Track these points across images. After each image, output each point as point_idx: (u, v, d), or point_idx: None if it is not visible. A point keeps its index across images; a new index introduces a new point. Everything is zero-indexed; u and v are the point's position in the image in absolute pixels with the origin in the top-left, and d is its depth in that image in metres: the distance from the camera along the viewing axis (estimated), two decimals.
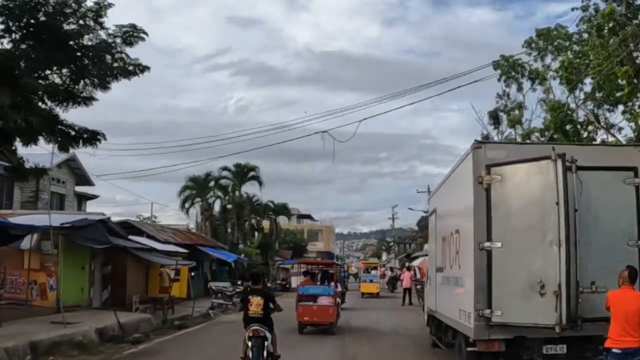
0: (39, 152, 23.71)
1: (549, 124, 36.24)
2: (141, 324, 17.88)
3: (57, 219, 19.79)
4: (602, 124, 35.35)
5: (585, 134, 36.53)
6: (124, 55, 17.08)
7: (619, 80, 26.30)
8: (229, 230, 47.48)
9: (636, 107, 25.48)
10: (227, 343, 15.57)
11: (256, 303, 9.94)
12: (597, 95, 33.78)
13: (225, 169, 46.92)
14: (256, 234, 54.12)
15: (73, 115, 17.52)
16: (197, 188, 45.62)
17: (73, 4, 15.53)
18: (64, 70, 17.37)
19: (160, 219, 53.58)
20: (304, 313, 17.26)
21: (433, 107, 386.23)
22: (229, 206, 48.04)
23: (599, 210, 7.60)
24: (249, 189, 48.75)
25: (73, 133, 18.02)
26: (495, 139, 52.10)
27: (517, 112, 45.75)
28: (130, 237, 23.83)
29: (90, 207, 38.66)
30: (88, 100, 18.26)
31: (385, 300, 35.51)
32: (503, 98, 49.85)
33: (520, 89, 46.01)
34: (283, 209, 59.30)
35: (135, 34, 16.74)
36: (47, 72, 17.19)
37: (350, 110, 19.29)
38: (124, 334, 15.81)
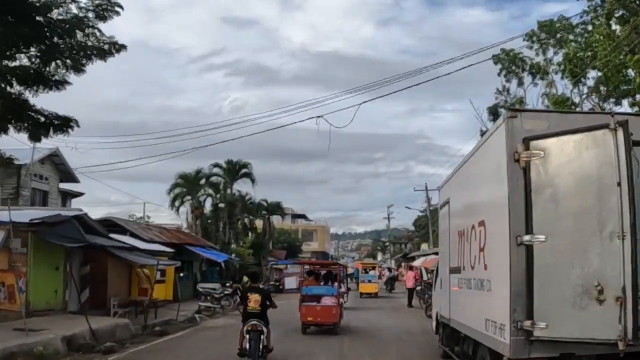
0: (19, 147, 22.28)
1: None
2: (118, 330, 16.25)
3: (28, 214, 18.19)
4: None
5: None
6: (97, 32, 15.53)
7: (630, 71, 24.95)
8: (221, 229, 45.76)
9: None
10: (210, 354, 13.94)
11: (254, 300, 11.39)
12: (602, 89, 32.70)
13: (216, 165, 45.24)
14: (249, 233, 52.41)
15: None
16: (187, 186, 43.86)
17: None
18: (32, 50, 15.84)
19: (154, 219, 51.90)
20: (308, 313, 17.20)
21: (429, 107, 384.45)
22: (221, 205, 46.33)
23: None
24: (242, 186, 47.11)
25: (42, 119, 16.53)
26: None
27: (518, 106, 44.47)
28: (111, 235, 22.30)
29: (76, 204, 37.08)
30: (60, 84, 16.71)
31: (384, 301, 34.53)
32: (503, 94, 48.42)
33: (521, 83, 44.51)
34: (277, 208, 57.70)
35: (109, 8, 15.14)
36: (13, 51, 15.66)
37: (347, 96, 17.49)
38: (96, 342, 14.17)
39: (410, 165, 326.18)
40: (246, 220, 52.70)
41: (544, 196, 6.08)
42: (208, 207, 46.36)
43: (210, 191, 45.49)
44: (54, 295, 18.90)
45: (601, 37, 33.62)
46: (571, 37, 38.38)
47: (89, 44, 15.69)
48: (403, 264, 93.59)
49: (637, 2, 28.18)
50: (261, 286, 14.36)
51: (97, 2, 14.81)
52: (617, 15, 28.37)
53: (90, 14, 15.07)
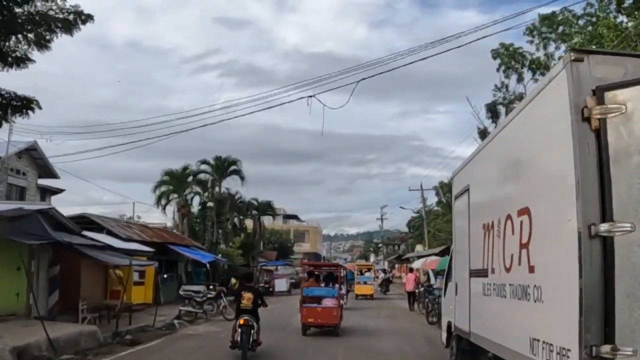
0: None
1: None
2: (83, 338, 14.37)
3: None
4: None
5: None
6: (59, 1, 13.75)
7: None
8: (209, 229, 43.82)
9: None
10: None
11: (247, 298, 12.90)
12: None
13: (204, 162, 43.33)
14: (241, 234, 50.52)
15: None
16: (173, 183, 41.92)
17: None
18: None
19: (145, 219, 49.82)
20: (308, 315, 17.32)
21: (421, 109, 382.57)
22: (210, 204, 44.41)
23: None
24: (231, 184, 45.20)
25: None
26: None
27: (518, 102, 42.81)
28: (85, 233, 20.48)
29: (56, 201, 35.28)
30: (22, 61, 14.94)
31: (380, 304, 33.34)
32: (501, 90, 46.94)
33: (520, 79, 42.98)
34: (267, 207, 55.90)
35: None
36: None
37: (342, 77, 15.67)
38: (53, 353, 12.31)
39: (403, 167, 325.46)
40: (236, 220, 50.92)
41: (627, 168, 4.28)
42: (196, 205, 44.53)
43: (198, 189, 43.57)
44: (15, 299, 17.05)
45: (605, 30, 32.27)
46: (574, 30, 37.06)
47: (51, 13, 13.92)
48: (397, 265, 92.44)
49: None
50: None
51: None
52: (626, 3, 26.94)
53: None
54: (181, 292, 21.62)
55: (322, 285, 19.57)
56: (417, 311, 25.74)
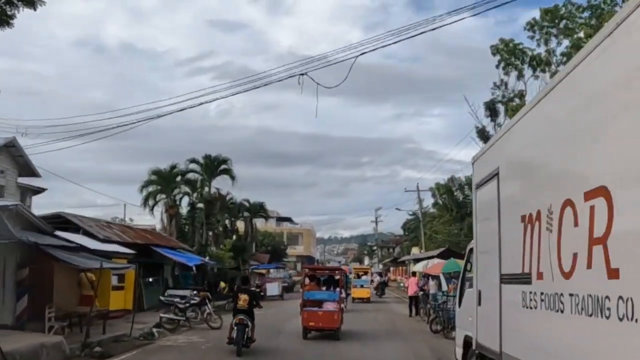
0: None
1: None
2: (45, 351, 12.70)
3: None
4: None
5: None
6: None
7: None
8: (200, 230, 42.05)
9: None
10: None
11: (243, 299, 14.35)
12: None
13: (193, 161, 41.52)
14: (233, 236, 48.81)
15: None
16: (161, 183, 40.12)
17: None
18: None
19: (138, 221, 47.98)
20: (309, 318, 17.36)
21: (415, 112, 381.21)
22: (200, 205, 42.66)
23: None
24: (221, 184, 43.44)
25: None
26: (492, 132, 47.77)
27: (518, 101, 41.32)
28: (58, 233, 18.87)
29: (38, 201, 33.59)
30: None
31: (377, 308, 32.41)
32: (500, 88, 45.51)
33: (521, 76, 41.56)
34: (259, 209, 54.20)
35: None
36: None
37: (339, 54, 13.99)
38: None
39: (397, 170, 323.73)
40: (227, 221, 49.21)
41: None
42: (185, 207, 42.75)
43: (187, 189, 41.76)
44: None
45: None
46: (579, 22, 35.66)
47: None
48: (392, 268, 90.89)
49: None
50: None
51: None
52: None
53: None
54: (162, 298, 19.90)
55: (323, 289, 19.52)
56: (417, 317, 24.17)
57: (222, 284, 33.86)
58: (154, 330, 17.38)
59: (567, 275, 4.53)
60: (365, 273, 42.33)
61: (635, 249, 3.54)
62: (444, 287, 18.40)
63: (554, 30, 38.17)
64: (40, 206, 46.66)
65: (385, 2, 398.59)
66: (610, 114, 3.91)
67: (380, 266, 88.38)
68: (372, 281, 44.88)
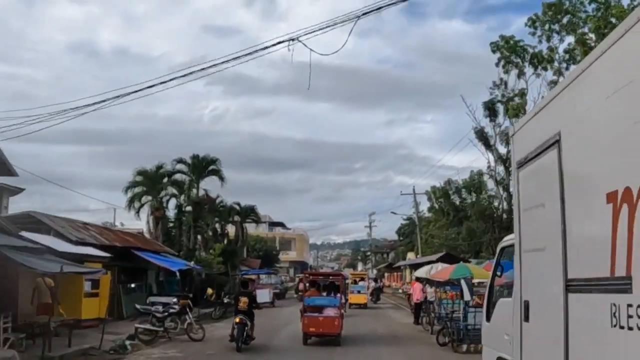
0: None
1: None
2: None
3: None
4: None
5: None
6: None
7: None
8: (187, 234, 40.03)
9: None
10: None
11: (243, 301, 16.40)
12: None
13: (180, 161, 39.45)
14: (224, 240, 46.85)
15: None
16: (147, 184, 38.11)
17: None
18: None
19: (129, 225, 45.78)
20: (310, 324, 17.38)
21: (408, 117, 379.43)
22: (188, 208, 40.65)
23: None
24: (210, 186, 41.40)
25: None
26: (491, 133, 46.11)
27: (519, 99, 39.69)
28: (24, 233, 17.06)
29: (15, 202, 31.50)
30: None
31: (374, 313, 31.54)
32: (500, 87, 43.96)
33: (522, 73, 40.01)
34: (250, 212, 52.18)
35: None
36: None
37: (335, 26, 12.09)
38: None
39: (390, 176, 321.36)
40: (217, 225, 47.25)
41: None
42: (172, 209, 40.69)
43: (174, 191, 39.71)
44: None
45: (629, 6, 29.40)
46: (586, 15, 34.14)
47: None
48: (386, 274, 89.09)
49: None
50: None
51: None
52: None
53: None
54: (137, 306, 17.95)
55: (324, 294, 19.30)
56: (418, 326, 22.34)
57: (209, 291, 31.94)
58: (127, 342, 15.45)
59: None
60: (363, 279, 41.98)
61: None
62: (467, 297, 16.30)
63: (556, 27, 36.67)
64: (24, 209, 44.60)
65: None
66: None
67: (375, 272, 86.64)
68: (368, 287, 43.90)
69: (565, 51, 35.73)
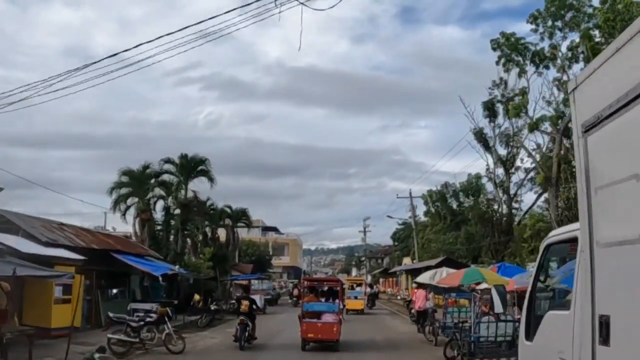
0: None
1: None
2: None
3: None
4: None
5: None
6: None
7: None
8: (174, 237, 38.27)
9: None
10: None
11: (245, 304, 18.26)
12: None
13: (168, 161, 37.62)
14: (216, 244, 45.15)
15: None
16: (133, 185, 36.33)
17: None
18: None
19: (120, 229, 44.01)
20: (308, 330, 17.32)
21: (402, 123, 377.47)
22: (177, 211, 38.86)
23: None
24: (199, 187, 39.65)
25: None
26: (490, 134, 44.67)
27: (521, 98, 38.26)
28: None
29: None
30: None
31: (371, 319, 30.53)
32: (499, 87, 42.52)
33: (523, 72, 38.61)
34: (242, 215, 50.57)
35: None
36: None
37: None
38: None
39: (384, 182, 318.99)
40: (207, 229, 45.57)
41: None
42: (160, 211, 38.89)
43: (162, 192, 37.91)
44: None
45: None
46: (594, 8, 32.82)
47: None
48: (381, 279, 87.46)
49: None
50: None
51: None
52: None
53: None
54: (110, 314, 16.20)
55: (322, 300, 19.25)
56: (419, 335, 20.69)
57: (197, 297, 30.20)
58: (97, 355, 13.73)
59: None
60: (360, 284, 41.18)
61: None
62: (498, 308, 14.29)
63: (559, 23, 35.30)
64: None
65: (373, 14, 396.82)
66: None
67: (369, 277, 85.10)
68: (365, 293, 42.93)
69: (569, 48, 34.39)
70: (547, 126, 36.13)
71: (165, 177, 37.99)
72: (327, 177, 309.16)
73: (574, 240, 5.13)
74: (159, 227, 38.56)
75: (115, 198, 36.55)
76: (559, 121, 34.11)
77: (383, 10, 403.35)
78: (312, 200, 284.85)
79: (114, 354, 14.64)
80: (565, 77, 34.18)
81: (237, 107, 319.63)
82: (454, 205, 55.97)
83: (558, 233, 5.86)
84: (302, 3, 10.41)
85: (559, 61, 35.87)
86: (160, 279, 22.66)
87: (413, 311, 23.92)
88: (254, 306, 18.83)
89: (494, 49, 39.28)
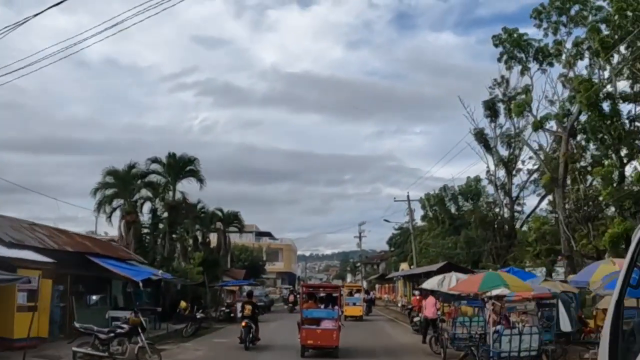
0: None
1: (581, 100, 27.12)
2: None
3: None
4: None
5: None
6: None
7: None
8: (162, 240, 36.41)
9: None
10: None
11: (248, 308, 19.95)
12: None
13: (155, 161, 35.70)
14: (207, 249, 43.38)
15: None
16: (118, 185, 34.41)
17: None
18: None
19: (112, 234, 41.98)
20: (308, 336, 17.30)
21: (397, 129, 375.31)
22: (165, 214, 36.98)
23: None
24: (189, 189, 37.78)
25: None
26: (491, 134, 43.08)
27: (524, 96, 36.69)
28: None
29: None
30: None
31: (372, 328, 29.26)
32: (501, 85, 41.01)
33: (526, 69, 37.09)
34: (233, 219, 48.80)
35: None
36: None
37: None
38: None
39: (379, 187, 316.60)
40: (198, 233, 43.76)
41: None
42: (147, 213, 36.98)
43: (149, 193, 35.99)
44: None
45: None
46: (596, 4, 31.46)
47: None
48: (377, 285, 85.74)
49: None
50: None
51: None
52: None
53: None
54: (76, 324, 14.30)
55: (321, 306, 19.30)
56: (423, 345, 18.95)
57: (183, 304, 28.36)
58: None
59: None
60: (359, 291, 40.50)
61: None
62: (566, 326, 12.20)
63: (563, 19, 33.83)
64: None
65: (368, 19, 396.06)
66: None
67: (365, 283, 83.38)
68: (364, 299, 41.61)
69: (575, 44, 32.84)
70: (552, 125, 34.52)
71: (153, 177, 36.03)
72: (322, 183, 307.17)
73: None
74: (145, 230, 36.69)
75: (100, 199, 34.69)
76: (565, 119, 32.51)
77: (378, 16, 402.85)
78: (307, 206, 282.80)
79: None
80: (571, 74, 32.71)
81: (232, 113, 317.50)
82: (453, 209, 54.38)
83: None
84: None
85: (564, 57, 34.32)
86: (141, 284, 20.77)
87: (416, 320, 22.27)
88: (256, 310, 20.61)
89: (496, 46, 37.76)
